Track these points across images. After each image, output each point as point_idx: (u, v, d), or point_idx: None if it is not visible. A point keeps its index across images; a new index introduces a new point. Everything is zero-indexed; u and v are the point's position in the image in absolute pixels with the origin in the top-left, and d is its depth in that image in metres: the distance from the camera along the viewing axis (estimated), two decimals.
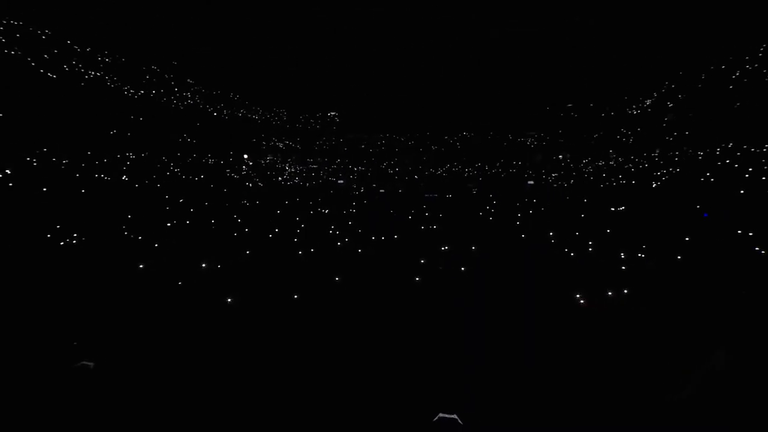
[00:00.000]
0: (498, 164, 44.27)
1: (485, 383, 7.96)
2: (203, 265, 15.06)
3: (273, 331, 10.13)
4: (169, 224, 21.19)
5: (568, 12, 31.34)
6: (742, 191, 21.12)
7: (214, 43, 39.26)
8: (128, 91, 33.00)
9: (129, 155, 29.49)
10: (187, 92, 40.83)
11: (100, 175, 24.94)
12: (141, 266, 14.27)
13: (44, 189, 20.13)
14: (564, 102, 45.42)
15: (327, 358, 8.84)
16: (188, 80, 41.17)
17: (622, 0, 27.90)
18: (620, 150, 39.92)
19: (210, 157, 40.00)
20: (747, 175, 22.16)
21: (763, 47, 24.75)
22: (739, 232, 17.26)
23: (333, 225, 23.14)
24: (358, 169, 47.22)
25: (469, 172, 44.25)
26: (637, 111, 40.65)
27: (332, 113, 52.55)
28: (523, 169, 43.21)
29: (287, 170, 47.71)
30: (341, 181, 44.95)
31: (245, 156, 45.62)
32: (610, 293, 12.21)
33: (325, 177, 46.35)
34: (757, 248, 14.90)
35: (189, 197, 27.70)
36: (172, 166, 33.47)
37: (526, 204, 30.56)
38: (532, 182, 40.89)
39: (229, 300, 11.88)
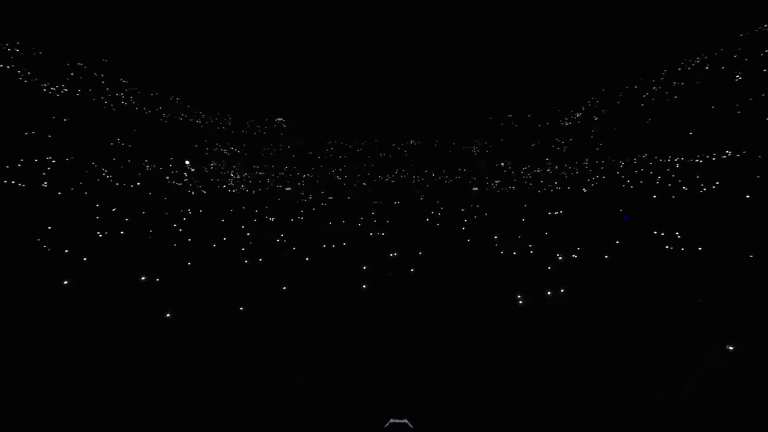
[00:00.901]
0: (444, 171, 45.74)
1: (437, 387, 8.08)
2: (142, 278, 14.03)
3: (217, 346, 9.63)
4: (100, 235, 19.52)
5: (508, 26, 33.40)
6: (654, 196, 23.68)
7: (150, 43, 36.87)
8: (48, 88, 29.95)
9: (49, 159, 26.72)
10: (120, 92, 37.88)
11: (10, 182, 22.37)
12: (66, 282, 12.96)
13: None
14: (505, 112, 48.06)
15: (275, 368, 8.57)
16: (122, 80, 38.24)
17: (550, 18, 30.30)
18: (555, 158, 43.00)
19: (147, 163, 37.37)
20: (657, 182, 24.93)
21: (665, 72, 28.11)
22: (655, 232, 19.27)
23: (280, 233, 22.58)
24: (306, 176, 46.51)
25: (416, 179, 45.28)
26: (568, 123, 44.09)
27: (279, 119, 51.37)
28: (467, 176, 45.00)
29: (232, 177, 45.85)
30: (288, 188, 44.01)
31: (187, 162, 43.16)
32: (549, 293, 12.97)
33: (272, 184, 45.13)
34: (667, 246, 16.71)
35: (123, 206, 25.72)
36: (104, 172, 30.85)
37: (471, 209, 31.85)
38: (476, 188, 42.80)
39: (168, 315, 11.14)
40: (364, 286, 13.97)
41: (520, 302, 12.37)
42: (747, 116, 20.57)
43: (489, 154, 47.45)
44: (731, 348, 8.37)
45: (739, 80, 21.39)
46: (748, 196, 18.59)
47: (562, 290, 13.13)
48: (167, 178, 37.62)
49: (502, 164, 46.10)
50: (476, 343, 9.77)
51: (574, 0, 27.88)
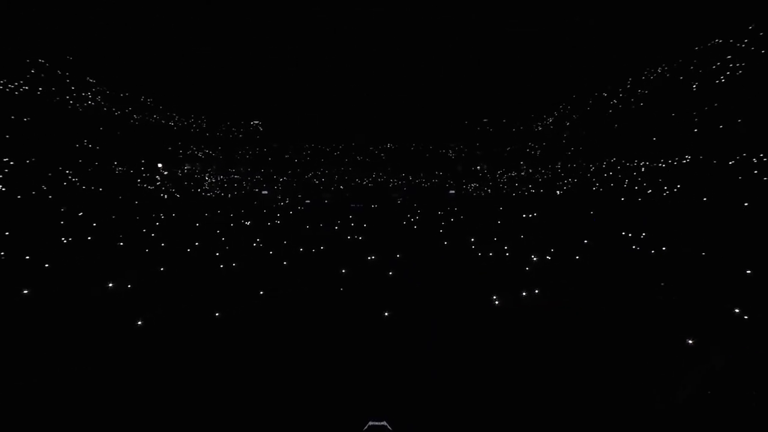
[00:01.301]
0: (421, 174, 46.22)
1: (420, 390, 8.13)
2: (109, 285, 13.53)
3: (192, 352, 9.40)
4: (65, 241, 18.71)
5: (481, 32, 34.19)
6: (622, 198, 24.73)
7: (120, 41, 35.65)
8: (5, 85, 28.46)
9: (7, 161, 25.39)
10: (87, 92, 36.40)
11: None
12: (25, 292, 12.35)
13: None
14: (480, 117, 49.03)
15: (253, 372, 8.45)
16: (89, 79, 36.76)
17: (524, 25, 31.27)
18: (529, 162, 44.18)
19: (117, 166, 36.05)
20: (625, 186, 26.07)
21: (630, 80, 29.51)
22: (623, 233, 20.05)
23: (257, 237, 22.24)
24: (282, 179, 46.01)
25: (393, 182, 45.56)
26: (541, 128, 45.41)
27: (255, 122, 50.63)
28: (444, 179, 45.62)
29: (207, 180, 44.81)
30: (265, 192, 43.43)
31: (159, 165, 41.88)
32: (524, 293, 13.29)
33: (248, 187, 44.40)
34: (634, 246, 17.44)
35: (91, 210, 24.76)
36: (69, 174, 29.57)
37: (449, 212, 32.28)
38: (453, 191, 43.49)
39: (140, 323, 10.79)
40: (342, 290, 13.96)
41: (496, 303, 12.64)
42: (704, 124, 21.84)
43: (465, 157, 48.26)
44: (690, 342, 8.83)
45: (695, 90, 22.74)
46: (705, 198, 19.68)
47: (536, 290, 13.50)
48: (138, 181, 36.42)
49: (478, 168, 46.99)
50: (458, 345, 9.91)
51: (545, 8, 28.88)
